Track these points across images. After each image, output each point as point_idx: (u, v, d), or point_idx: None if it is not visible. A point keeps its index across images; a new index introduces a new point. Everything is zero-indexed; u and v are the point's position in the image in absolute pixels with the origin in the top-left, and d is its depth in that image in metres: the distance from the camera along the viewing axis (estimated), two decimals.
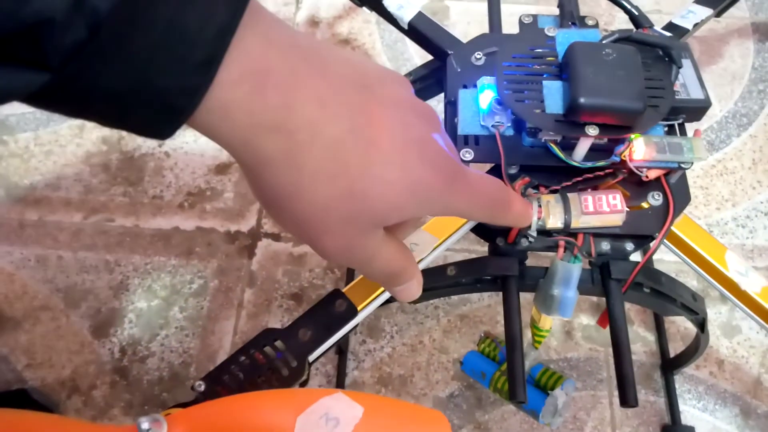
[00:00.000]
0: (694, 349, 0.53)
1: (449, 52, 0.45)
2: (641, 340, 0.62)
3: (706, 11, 0.48)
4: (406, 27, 0.48)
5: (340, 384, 0.59)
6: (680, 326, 0.62)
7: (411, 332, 0.62)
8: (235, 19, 0.20)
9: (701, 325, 0.47)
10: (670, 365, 0.59)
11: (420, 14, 0.48)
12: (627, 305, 0.62)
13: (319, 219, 0.25)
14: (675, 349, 0.60)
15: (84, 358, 0.60)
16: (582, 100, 0.34)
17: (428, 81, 0.51)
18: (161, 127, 0.21)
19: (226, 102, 0.21)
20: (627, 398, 0.37)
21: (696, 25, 0.48)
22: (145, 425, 0.28)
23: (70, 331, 0.61)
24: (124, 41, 0.18)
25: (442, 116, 0.43)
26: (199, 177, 0.70)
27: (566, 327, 0.62)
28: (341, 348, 0.60)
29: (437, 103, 0.76)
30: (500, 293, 0.41)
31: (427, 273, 0.43)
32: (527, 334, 0.43)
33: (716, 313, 0.63)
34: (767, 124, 0.74)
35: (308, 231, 0.25)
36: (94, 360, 0.60)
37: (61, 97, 0.19)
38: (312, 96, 0.23)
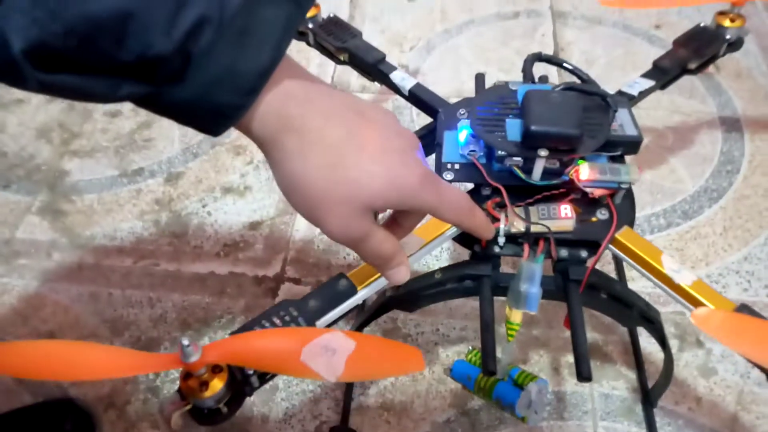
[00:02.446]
0: (666, 374, 0.58)
1: (439, 110, 0.57)
2: (623, 377, 0.67)
3: (649, 83, 0.60)
4: (407, 93, 0.61)
5: (346, 407, 0.65)
6: (659, 365, 0.67)
7: None
8: (273, 64, 0.31)
9: (662, 339, 0.54)
10: (649, 398, 0.64)
11: (417, 84, 0.61)
12: (611, 347, 0.69)
13: (322, 200, 0.34)
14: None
15: (122, 379, 0.68)
16: (533, 127, 0.45)
17: (426, 141, 0.63)
18: (216, 128, 0.32)
19: (262, 112, 0.32)
20: (581, 371, 0.44)
21: (641, 93, 0.59)
22: (185, 341, 0.36)
23: None
24: (199, 72, 0.30)
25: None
26: (234, 232, 0.81)
27: (554, 364, 0.68)
28: None
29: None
30: None
31: (419, 278, 0.52)
32: (502, 338, 0.51)
33: (693, 356, 0.69)
34: (735, 198, 0.84)
35: (315, 210, 0.35)
36: (131, 380, 0.68)
37: (153, 101, 0.31)
38: (320, 111, 0.34)
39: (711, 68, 1.01)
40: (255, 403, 0.66)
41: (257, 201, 0.85)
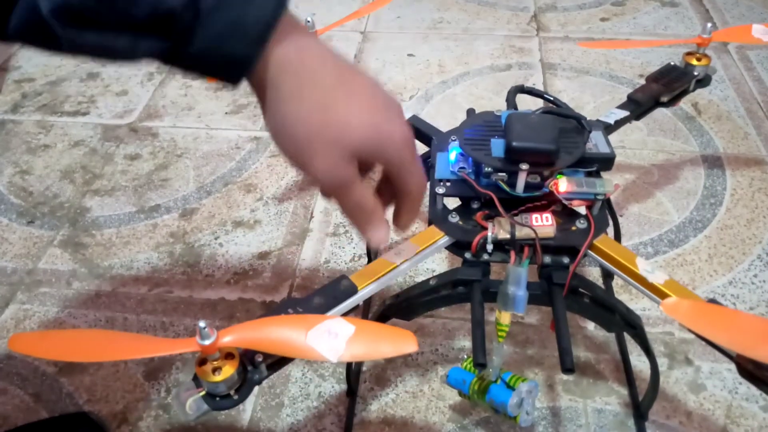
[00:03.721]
0: (653, 381, 0.61)
1: (433, 137, 0.63)
2: (615, 393, 0.70)
3: (624, 113, 0.66)
4: None
5: (348, 422, 0.68)
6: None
7: (413, 382, 0.71)
8: (277, 16, 0.33)
9: (645, 345, 0.57)
10: (640, 411, 0.66)
11: (414, 116, 0.67)
12: (603, 365, 0.73)
13: (312, 141, 0.35)
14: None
15: (135, 396, 0.71)
16: (514, 143, 0.51)
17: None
18: (232, 77, 0.35)
19: (267, 58, 0.35)
20: (565, 363, 0.47)
21: (617, 122, 0.65)
22: (202, 324, 0.41)
23: (126, 374, 0.73)
24: (209, 25, 0.32)
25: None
26: (245, 261, 0.86)
27: (549, 381, 0.71)
28: (352, 392, 0.70)
29: None
30: None
31: (416, 286, 0.56)
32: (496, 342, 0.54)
33: (683, 373, 0.71)
34: (719, 228, 0.88)
35: (303, 152, 0.36)
36: (144, 398, 0.71)
37: (171, 57, 0.34)
38: (317, 56, 0.36)
39: (693, 111, 1.08)
40: (261, 419, 0.69)
41: (266, 233, 0.90)
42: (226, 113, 1.14)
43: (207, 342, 0.41)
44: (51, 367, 0.74)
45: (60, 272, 0.86)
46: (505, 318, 0.52)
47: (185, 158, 1.04)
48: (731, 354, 0.44)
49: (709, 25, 0.69)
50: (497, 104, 1.13)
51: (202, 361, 0.43)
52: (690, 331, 0.43)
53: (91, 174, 1.02)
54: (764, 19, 1.35)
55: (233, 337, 0.42)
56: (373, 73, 1.22)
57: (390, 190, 0.43)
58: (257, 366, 0.45)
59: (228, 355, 0.44)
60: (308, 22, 0.71)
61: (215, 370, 0.43)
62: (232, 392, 0.44)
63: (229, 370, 0.43)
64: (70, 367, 0.74)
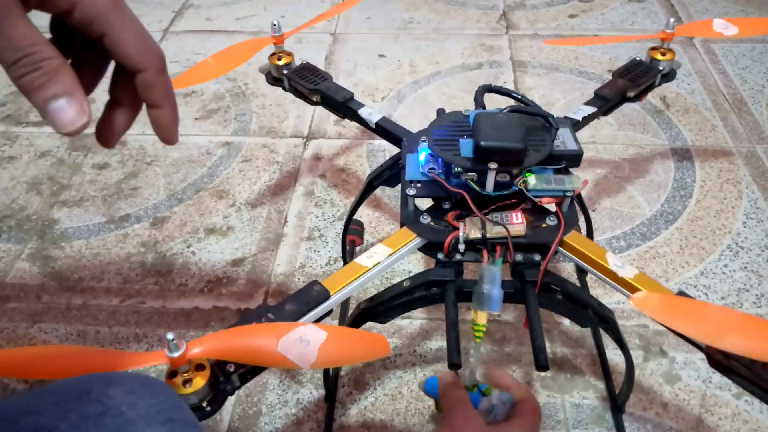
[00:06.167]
0: (628, 374, 0.62)
1: (403, 139, 0.63)
2: (593, 387, 0.70)
3: (591, 109, 0.66)
4: (374, 126, 0.67)
5: (328, 428, 0.67)
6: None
7: (392, 384, 0.71)
8: None
9: (618, 338, 0.58)
10: (617, 403, 0.67)
11: (383, 117, 0.67)
12: (580, 359, 0.73)
13: None
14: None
15: None
16: (482, 143, 0.51)
17: (393, 170, 0.68)
18: None
19: None
20: (539, 361, 0.47)
21: (584, 118, 0.66)
22: (170, 335, 0.40)
23: None
24: None
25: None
26: (218, 269, 0.84)
27: (526, 378, 0.71)
28: (331, 397, 0.69)
29: None
30: None
31: (389, 288, 0.56)
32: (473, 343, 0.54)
33: (658, 365, 0.72)
34: (690, 219, 0.89)
35: None
36: None
37: None
38: None
39: (661, 105, 1.09)
40: (239, 428, 0.68)
41: (239, 240, 0.89)
42: (196, 119, 1.13)
43: (176, 354, 0.40)
44: (21, 384, 0.72)
45: (29, 286, 0.84)
46: (482, 318, 0.52)
47: (155, 166, 1.03)
48: (701, 345, 0.45)
49: (672, 20, 0.70)
50: (469, 103, 1.13)
51: (172, 374, 0.42)
52: (660, 324, 0.44)
53: (59, 185, 1.00)
54: (727, 13, 1.37)
55: (203, 348, 0.41)
56: (344, 74, 1.22)
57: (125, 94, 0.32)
58: (229, 376, 0.45)
59: (199, 367, 0.43)
60: (274, 25, 0.70)
61: (186, 382, 0.42)
62: (204, 404, 0.43)
63: (200, 382, 0.42)
64: (42, 383, 0.72)
